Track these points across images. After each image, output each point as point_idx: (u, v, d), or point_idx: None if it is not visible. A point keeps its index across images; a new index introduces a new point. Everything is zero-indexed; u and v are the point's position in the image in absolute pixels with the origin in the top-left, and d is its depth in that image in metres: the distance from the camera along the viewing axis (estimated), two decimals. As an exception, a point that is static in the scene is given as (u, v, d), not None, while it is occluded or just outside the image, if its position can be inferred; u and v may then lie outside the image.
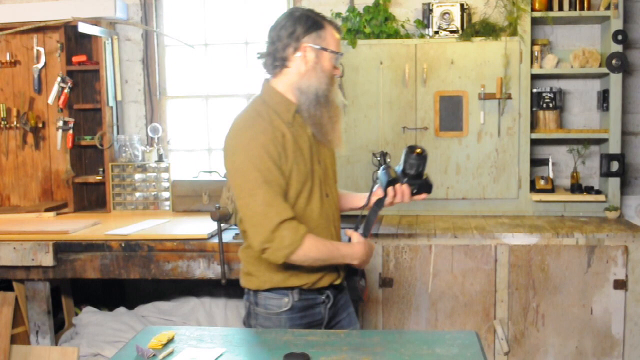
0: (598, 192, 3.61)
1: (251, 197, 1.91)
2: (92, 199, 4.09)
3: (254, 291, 2.10)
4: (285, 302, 2.07)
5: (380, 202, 2.12)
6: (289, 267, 2.02)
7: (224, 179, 3.11)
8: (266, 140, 1.93)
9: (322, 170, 2.09)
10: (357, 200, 2.28)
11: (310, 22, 2.00)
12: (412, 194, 2.10)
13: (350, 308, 2.27)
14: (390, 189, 2.08)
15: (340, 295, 2.21)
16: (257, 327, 2.09)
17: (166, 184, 3.91)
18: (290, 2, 3.99)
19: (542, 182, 3.61)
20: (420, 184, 2.08)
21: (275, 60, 2.02)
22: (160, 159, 3.95)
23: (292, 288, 2.07)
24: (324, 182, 2.09)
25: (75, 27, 3.67)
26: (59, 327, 3.63)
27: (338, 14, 3.73)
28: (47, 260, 3.13)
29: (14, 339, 3.38)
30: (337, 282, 2.15)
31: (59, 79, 3.83)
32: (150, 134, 3.98)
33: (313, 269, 2.05)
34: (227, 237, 3.12)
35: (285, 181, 1.96)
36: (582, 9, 3.55)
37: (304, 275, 2.06)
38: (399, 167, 2.10)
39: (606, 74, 3.53)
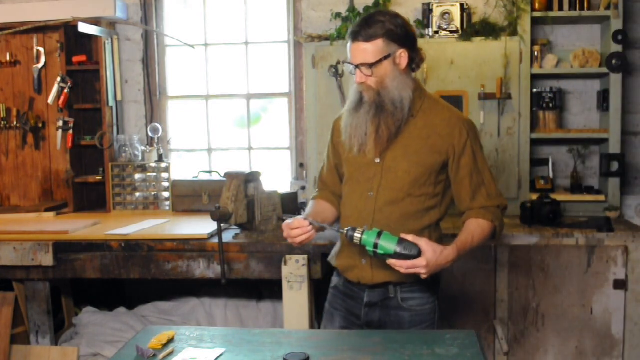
0: (598, 192, 3.60)
1: None
2: (92, 199, 4.09)
3: None
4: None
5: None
6: None
7: (224, 179, 3.11)
8: None
9: None
10: None
11: None
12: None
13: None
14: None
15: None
16: None
17: (166, 184, 3.91)
18: (290, 2, 3.98)
19: (542, 182, 3.61)
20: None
21: None
22: (160, 159, 3.95)
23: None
24: None
25: (75, 27, 3.67)
26: (59, 327, 3.63)
27: (338, 14, 3.73)
28: (47, 260, 3.13)
29: (14, 339, 3.38)
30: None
31: (59, 79, 3.83)
32: (150, 134, 3.98)
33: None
34: (227, 237, 3.12)
35: None
36: (582, 9, 3.55)
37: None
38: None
39: (606, 74, 3.53)
